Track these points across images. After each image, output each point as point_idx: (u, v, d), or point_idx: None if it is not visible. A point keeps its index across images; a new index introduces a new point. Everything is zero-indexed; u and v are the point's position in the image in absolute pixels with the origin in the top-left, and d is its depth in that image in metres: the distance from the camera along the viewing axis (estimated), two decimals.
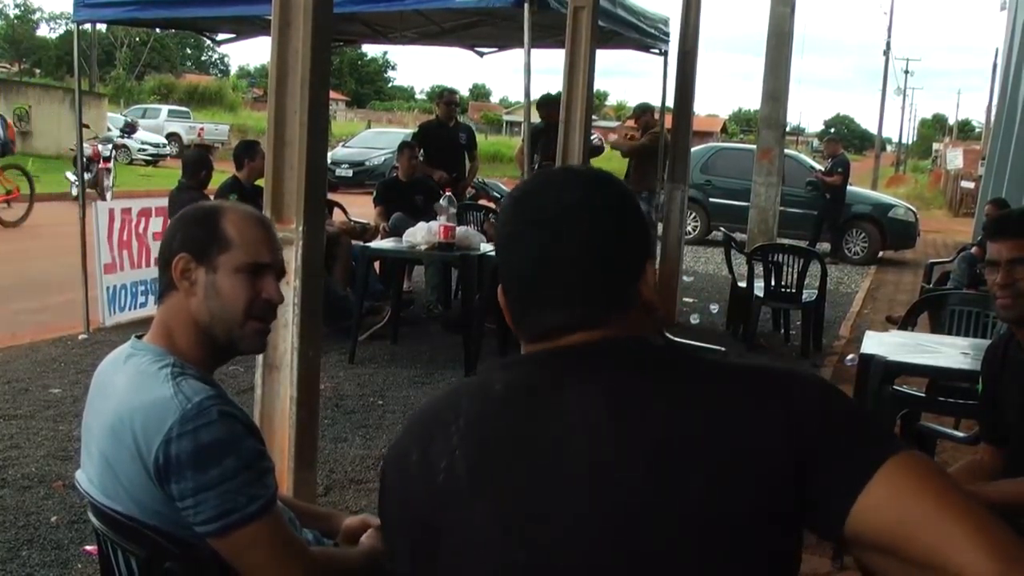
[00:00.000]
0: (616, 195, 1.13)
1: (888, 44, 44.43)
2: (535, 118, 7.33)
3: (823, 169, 13.51)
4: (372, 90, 72.40)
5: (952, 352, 3.65)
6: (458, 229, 5.84)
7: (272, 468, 1.53)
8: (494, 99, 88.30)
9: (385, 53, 72.98)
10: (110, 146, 15.50)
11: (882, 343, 3.61)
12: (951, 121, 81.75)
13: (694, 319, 7.64)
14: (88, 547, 3.06)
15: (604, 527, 0.96)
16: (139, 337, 1.62)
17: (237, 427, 1.47)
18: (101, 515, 1.55)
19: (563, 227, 1.08)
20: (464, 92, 76.28)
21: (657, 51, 7.92)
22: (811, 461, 0.94)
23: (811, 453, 0.94)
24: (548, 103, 7.85)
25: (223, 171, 7.37)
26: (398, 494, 1.11)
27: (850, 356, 6.38)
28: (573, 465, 0.99)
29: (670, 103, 7.72)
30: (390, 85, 79.02)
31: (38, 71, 50.44)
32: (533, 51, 5.07)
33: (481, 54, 8.60)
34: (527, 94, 5.21)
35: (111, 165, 14.92)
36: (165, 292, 1.61)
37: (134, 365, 1.55)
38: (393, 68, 79.53)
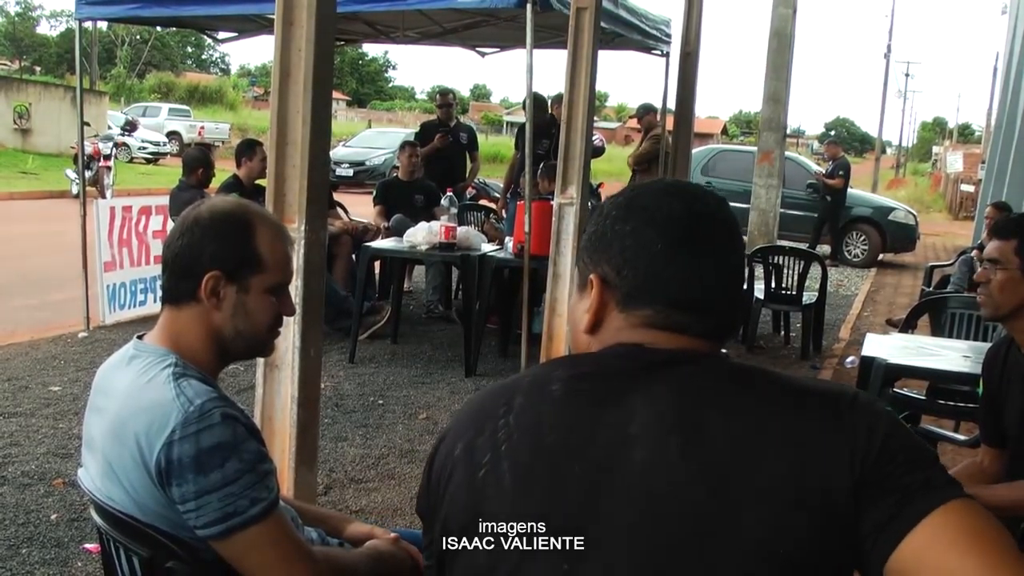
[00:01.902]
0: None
1: (889, 47, 44.49)
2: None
3: (824, 171, 13.52)
4: (373, 90, 72.35)
5: (952, 355, 3.65)
6: (459, 229, 5.85)
7: (274, 470, 1.51)
8: (495, 99, 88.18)
9: (386, 53, 73.16)
10: (111, 144, 15.56)
11: (883, 346, 3.62)
12: (951, 124, 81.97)
13: None
14: (88, 545, 3.06)
15: (654, 545, 0.93)
16: (140, 337, 1.61)
17: (239, 429, 1.45)
18: (104, 514, 1.53)
19: (730, 247, 1.10)
20: (465, 92, 76.33)
21: (659, 52, 7.91)
22: (864, 500, 0.91)
23: (866, 492, 0.92)
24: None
25: (223, 170, 7.37)
26: (438, 488, 1.07)
27: (850, 358, 6.39)
28: (628, 477, 0.95)
29: (671, 105, 7.71)
30: (391, 85, 78.97)
31: (38, 68, 50.44)
32: (535, 52, 5.06)
33: (483, 54, 8.59)
34: (529, 94, 5.21)
35: (111, 163, 14.97)
36: (181, 301, 1.57)
37: (136, 367, 1.53)
38: (394, 68, 79.77)
